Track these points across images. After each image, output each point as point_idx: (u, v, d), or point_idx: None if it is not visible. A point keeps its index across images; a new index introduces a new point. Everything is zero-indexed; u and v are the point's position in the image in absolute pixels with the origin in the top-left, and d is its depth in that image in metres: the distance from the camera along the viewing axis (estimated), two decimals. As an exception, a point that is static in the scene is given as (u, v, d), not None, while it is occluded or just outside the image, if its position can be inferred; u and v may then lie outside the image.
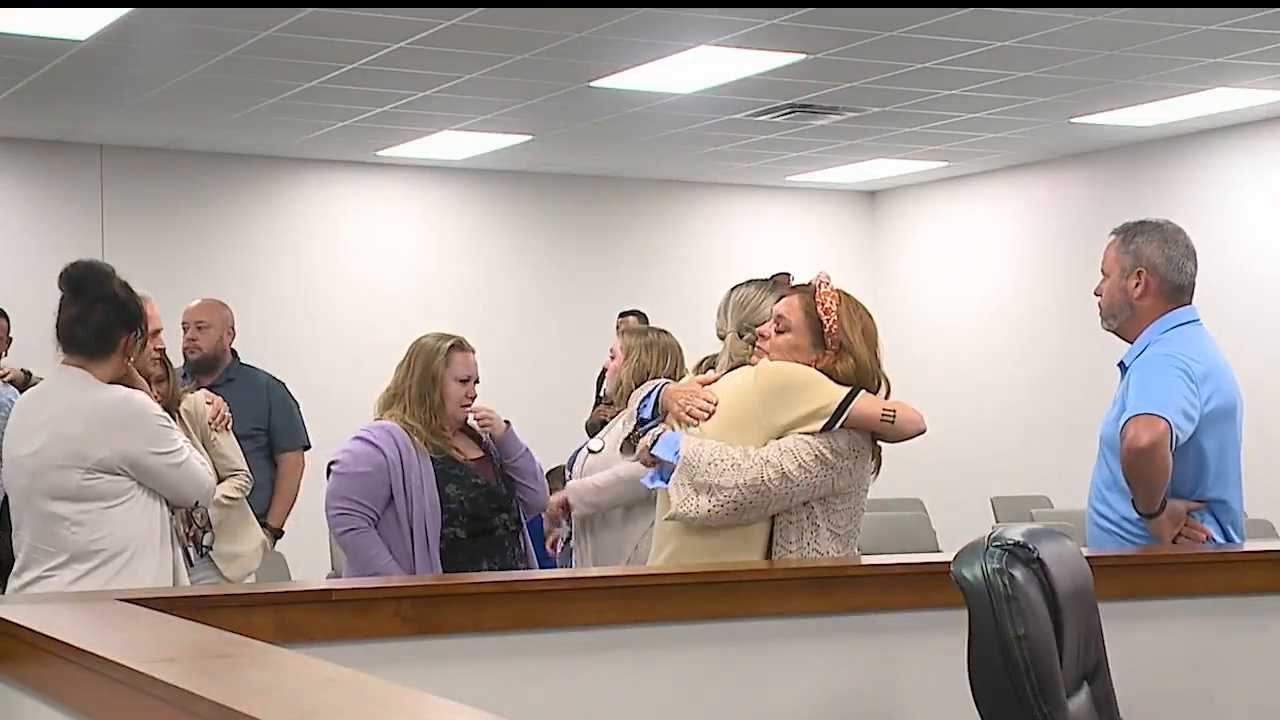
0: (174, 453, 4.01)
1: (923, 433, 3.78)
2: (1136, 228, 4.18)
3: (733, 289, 4.12)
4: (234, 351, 6.49)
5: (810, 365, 3.81)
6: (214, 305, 6.50)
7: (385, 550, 4.57)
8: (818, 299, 3.82)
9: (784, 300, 3.89)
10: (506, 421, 4.92)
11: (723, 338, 4.05)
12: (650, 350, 5.06)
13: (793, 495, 3.70)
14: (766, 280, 4.11)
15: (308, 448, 6.50)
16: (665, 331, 5.22)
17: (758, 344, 3.89)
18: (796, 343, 3.82)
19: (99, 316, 4.00)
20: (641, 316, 9.58)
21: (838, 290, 3.86)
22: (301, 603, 2.95)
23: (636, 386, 5.03)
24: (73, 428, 3.93)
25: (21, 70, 8.50)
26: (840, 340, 3.80)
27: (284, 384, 6.54)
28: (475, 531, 4.70)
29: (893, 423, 3.71)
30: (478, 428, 4.88)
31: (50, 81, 8.72)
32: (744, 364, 3.90)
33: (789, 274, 4.12)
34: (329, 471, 4.74)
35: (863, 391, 3.72)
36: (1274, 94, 9.52)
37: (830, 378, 3.79)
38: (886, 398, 3.87)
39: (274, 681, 1.99)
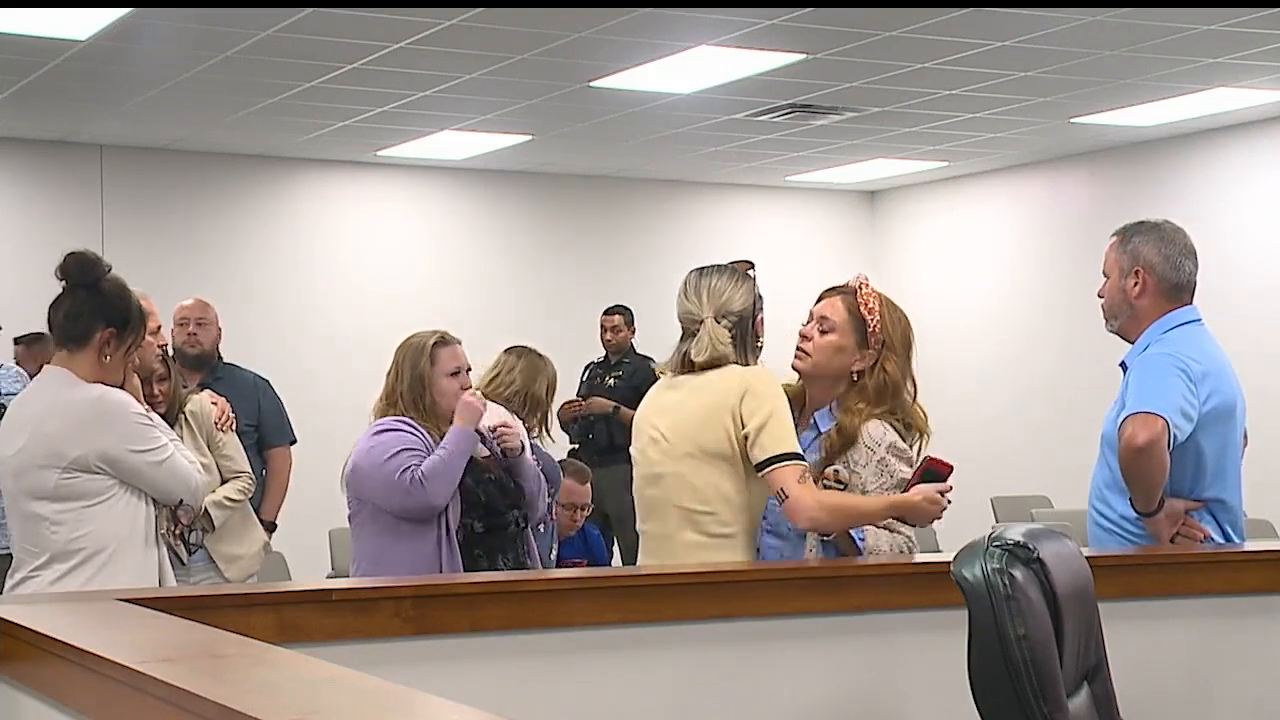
0: (154, 450, 3.95)
1: (809, 529, 3.71)
2: (1134, 228, 4.19)
3: (700, 275, 3.93)
4: (218, 352, 6.56)
5: (853, 365, 3.81)
6: (206, 303, 6.64)
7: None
8: (860, 299, 3.84)
9: (825, 301, 3.89)
10: (523, 445, 4.94)
11: (692, 322, 3.87)
12: (527, 370, 5.38)
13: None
14: (726, 267, 3.97)
15: (294, 442, 6.70)
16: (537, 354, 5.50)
17: (799, 345, 3.88)
18: (841, 343, 3.83)
19: (70, 301, 3.95)
20: (626, 313, 9.49)
21: (878, 292, 3.88)
22: (301, 603, 2.95)
23: (511, 398, 5.28)
24: (49, 426, 3.89)
25: (21, 70, 8.50)
26: (883, 340, 3.81)
27: (269, 381, 6.68)
28: (491, 526, 4.73)
29: (780, 504, 3.66)
30: (489, 435, 4.87)
31: (50, 81, 8.72)
32: (726, 355, 3.81)
33: (751, 262, 4.04)
34: (347, 477, 4.72)
35: (795, 462, 3.65)
36: (1274, 94, 9.52)
37: (874, 378, 3.80)
38: (914, 400, 3.87)
39: (274, 681, 1.99)
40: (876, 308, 3.83)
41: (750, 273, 3.93)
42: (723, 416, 3.72)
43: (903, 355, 3.85)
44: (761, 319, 3.90)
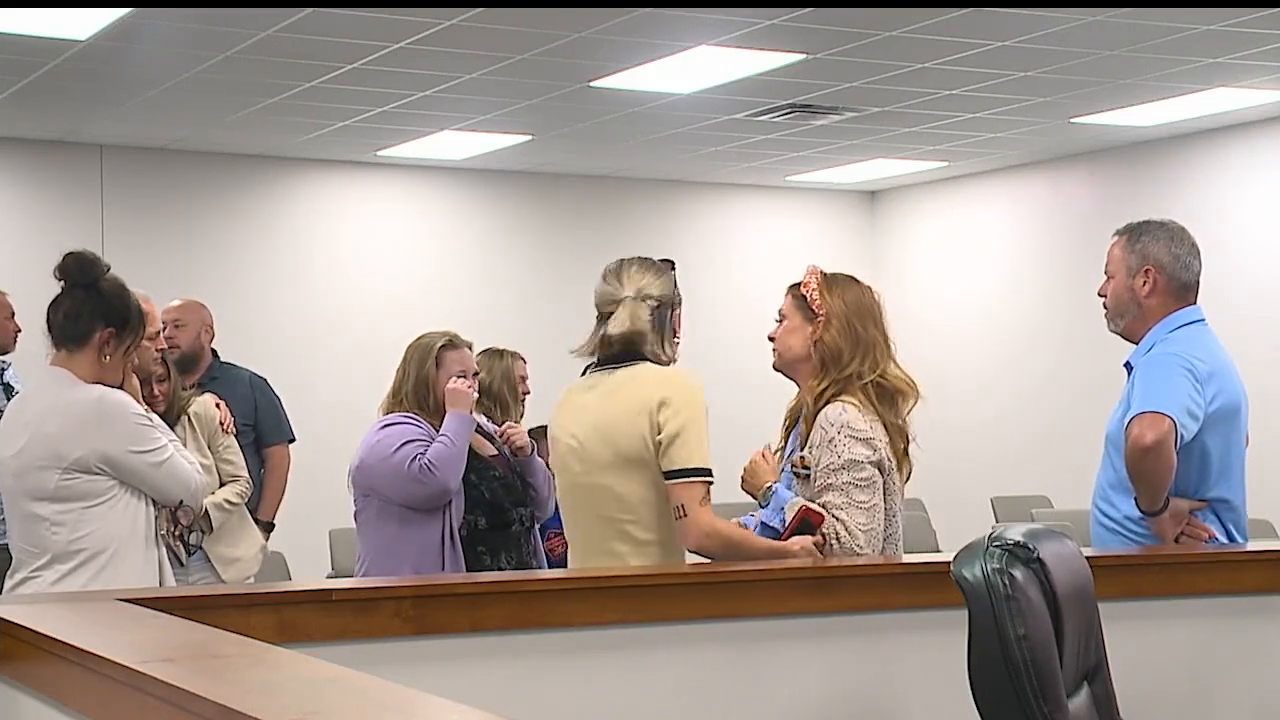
0: (154, 451, 3.95)
1: (693, 550, 3.71)
2: (1142, 227, 4.18)
3: (620, 262, 3.91)
4: (214, 351, 6.53)
5: (808, 339, 3.85)
6: (191, 305, 6.56)
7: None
8: (801, 283, 3.93)
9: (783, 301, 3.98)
10: (533, 444, 4.94)
11: (610, 304, 3.82)
12: (498, 371, 5.38)
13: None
14: (646, 258, 3.94)
15: (292, 440, 6.65)
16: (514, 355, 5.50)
17: (772, 348, 3.93)
18: (791, 325, 3.90)
19: (69, 301, 3.95)
20: None
21: (820, 272, 3.94)
22: (301, 603, 2.95)
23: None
24: (50, 427, 3.89)
25: (21, 70, 8.50)
26: (825, 309, 3.85)
27: (266, 380, 6.64)
28: (495, 524, 4.73)
29: (676, 519, 3.66)
30: (495, 433, 4.88)
31: (50, 81, 8.72)
32: (643, 333, 3.79)
33: (671, 262, 4.04)
34: (354, 473, 4.73)
35: (701, 478, 3.66)
36: (1274, 94, 9.52)
37: (816, 351, 3.83)
38: (889, 359, 3.88)
39: (274, 681, 1.99)
40: (814, 283, 3.90)
41: (672, 271, 3.94)
42: (640, 422, 3.69)
43: (843, 319, 3.84)
44: (679, 315, 3.90)
